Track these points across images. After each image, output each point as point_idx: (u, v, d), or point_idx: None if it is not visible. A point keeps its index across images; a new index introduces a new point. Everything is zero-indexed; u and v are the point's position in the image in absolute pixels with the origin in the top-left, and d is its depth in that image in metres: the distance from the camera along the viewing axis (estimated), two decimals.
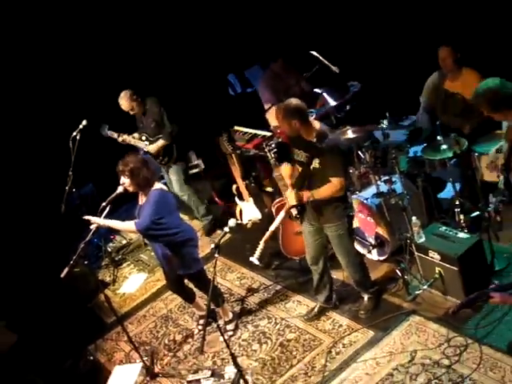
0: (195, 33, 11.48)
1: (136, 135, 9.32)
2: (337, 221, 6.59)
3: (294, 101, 6.31)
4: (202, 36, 11.50)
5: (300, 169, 6.54)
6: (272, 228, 7.02)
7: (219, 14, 11.36)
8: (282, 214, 7.00)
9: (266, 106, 8.95)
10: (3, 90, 10.38)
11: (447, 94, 7.68)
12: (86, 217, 6.66)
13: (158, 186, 6.81)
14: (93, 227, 6.63)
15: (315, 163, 6.32)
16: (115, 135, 9.28)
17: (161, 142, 9.14)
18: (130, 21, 11.09)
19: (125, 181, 6.69)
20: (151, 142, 9.20)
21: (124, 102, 9.06)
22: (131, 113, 9.23)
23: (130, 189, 6.74)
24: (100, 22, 10.84)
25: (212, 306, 7.37)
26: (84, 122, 8.76)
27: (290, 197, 6.45)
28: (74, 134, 8.67)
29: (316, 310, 7.31)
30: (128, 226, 6.77)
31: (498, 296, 4.92)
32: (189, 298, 7.61)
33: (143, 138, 9.23)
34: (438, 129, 7.22)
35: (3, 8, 10.02)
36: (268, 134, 8.69)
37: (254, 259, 6.84)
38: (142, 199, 6.86)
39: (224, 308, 7.50)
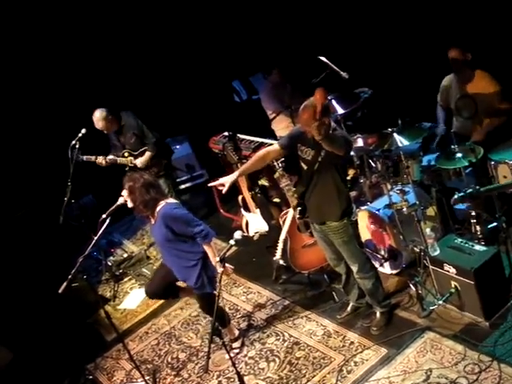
0: (198, 38, 11.50)
1: (110, 157, 9.33)
2: (338, 219, 6.53)
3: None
4: (206, 42, 11.52)
5: (305, 167, 6.54)
6: (286, 227, 7.58)
7: (223, 19, 11.40)
8: (291, 212, 7.31)
9: (271, 116, 8.95)
10: (1, 98, 10.45)
11: (459, 96, 7.67)
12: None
13: (166, 201, 6.86)
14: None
15: (321, 157, 6.32)
16: (92, 158, 9.18)
17: (148, 154, 9.17)
18: (134, 26, 11.20)
19: (125, 194, 6.76)
20: (136, 157, 9.21)
21: (100, 122, 8.99)
22: (105, 132, 9.22)
23: (128, 204, 6.79)
24: (101, 27, 10.95)
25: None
26: (83, 131, 8.78)
27: None
28: (73, 142, 8.69)
29: (349, 309, 7.35)
30: (209, 249, 6.80)
31: None
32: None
33: (126, 154, 9.24)
34: (452, 137, 7.18)
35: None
36: (274, 142, 8.65)
37: (278, 258, 7.48)
38: (152, 219, 6.91)
39: (229, 326, 7.47)
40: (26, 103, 10.71)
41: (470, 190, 6.25)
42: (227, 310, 7.96)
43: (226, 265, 6.43)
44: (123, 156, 9.23)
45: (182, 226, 6.73)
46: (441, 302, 6.82)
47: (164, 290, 7.49)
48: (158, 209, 6.76)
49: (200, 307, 7.48)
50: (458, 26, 8.72)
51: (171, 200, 7.03)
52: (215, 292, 6.78)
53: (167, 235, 6.76)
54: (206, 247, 6.78)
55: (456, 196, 6.38)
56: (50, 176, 10.26)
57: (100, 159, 9.15)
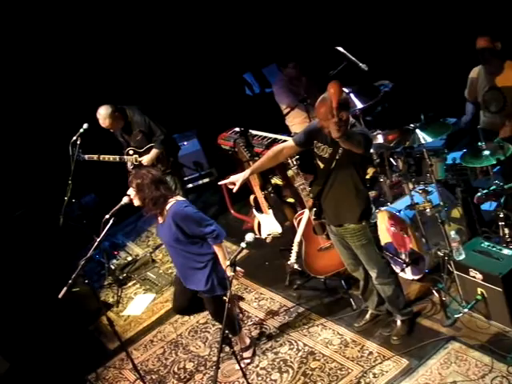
0: (208, 29, 11.56)
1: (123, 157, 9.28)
2: (356, 221, 6.44)
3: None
4: (216, 32, 11.57)
5: (321, 166, 6.44)
6: (301, 229, 7.50)
7: (234, 9, 11.45)
8: (307, 213, 7.25)
9: (286, 111, 8.91)
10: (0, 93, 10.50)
11: (487, 89, 7.63)
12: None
13: (176, 199, 6.79)
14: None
15: (339, 155, 6.21)
16: (94, 157, 9.18)
17: (154, 152, 9.13)
18: (140, 19, 11.27)
19: (131, 193, 6.68)
20: (141, 154, 9.17)
21: (107, 119, 8.91)
22: (111, 130, 9.20)
23: (135, 202, 6.72)
24: (106, 19, 11.02)
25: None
26: (85, 126, 8.80)
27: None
28: (74, 138, 8.70)
29: (367, 317, 7.28)
30: (220, 251, 6.76)
31: None
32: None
33: (130, 152, 9.19)
34: (480, 133, 7.08)
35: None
36: (289, 138, 8.58)
37: (292, 262, 7.53)
38: (160, 218, 6.85)
39: (240, 334, 7.40)
40: (25, 98, 10.78)
41: (494, 187, 6.19)
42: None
43: (237, 268, 6.31)
44: (127, 154, 9.17)
45: (193, 226, 6.65)
46: (466, 310, 6.73)
47: (189, 303, 7.40)
48: (167, 207, 6.71)
49: (210, 313, 7.42)
50: (487, 13, 8.67)
51: (181, 198, 6.94)
52: (225, 298, 6.71)
53: (176, 235, 6.70)
54: (216, 248, 6.72)
55: (479, 193, 6.31)
56: (50, 174, 10.33)
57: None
